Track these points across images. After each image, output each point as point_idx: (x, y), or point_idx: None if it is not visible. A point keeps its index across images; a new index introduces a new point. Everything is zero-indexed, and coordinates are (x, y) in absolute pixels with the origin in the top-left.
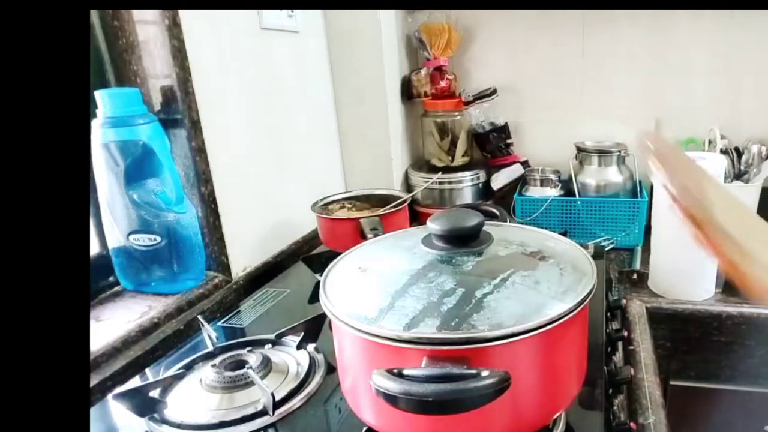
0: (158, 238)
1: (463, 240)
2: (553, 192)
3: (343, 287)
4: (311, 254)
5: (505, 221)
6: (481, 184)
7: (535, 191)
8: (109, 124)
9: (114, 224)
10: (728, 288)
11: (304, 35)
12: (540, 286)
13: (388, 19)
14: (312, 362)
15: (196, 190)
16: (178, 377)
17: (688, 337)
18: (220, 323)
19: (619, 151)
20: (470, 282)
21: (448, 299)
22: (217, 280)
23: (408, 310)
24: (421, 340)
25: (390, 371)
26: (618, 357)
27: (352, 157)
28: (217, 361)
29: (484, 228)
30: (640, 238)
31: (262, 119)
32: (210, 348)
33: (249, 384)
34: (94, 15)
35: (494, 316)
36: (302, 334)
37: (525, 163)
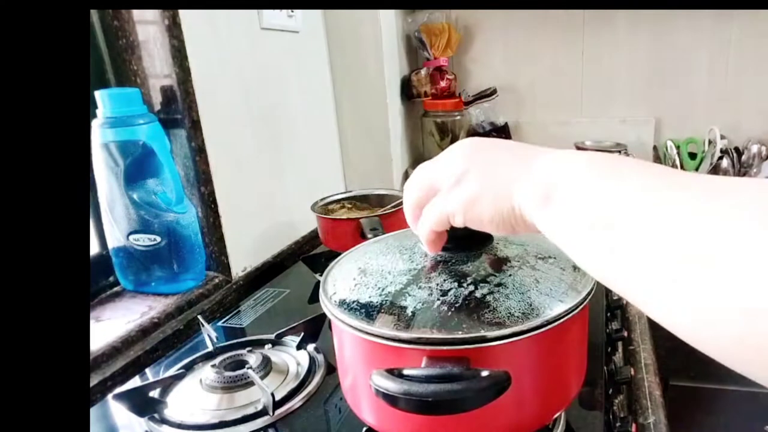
0: (158, 238)
1: (462, 240)
2: None
3: (343, 287)
4: (311, 254)
5: None
6: None
7: None
8: (109, 124)
9: (114, 224)
10: None
11: (304, 35)
12: (540, 285)
13: (388, 19)
14: (312, 362)
15: (196, 190)
16: (178, 377)
17: None
18: (220, 323)
19: (619, 151)
20: (470, 282)
21: (448, 299)
22: (217, 280)
23: (408, 310)
24: (421, 340)
25: (390, 371)
26: (618, 357)
27: (352, 157)
28: (217, 361)
29: None
30: None
31: (262, 119)
32: (210, 348)
33: (249, 384)
34: (94, 15)
35: (494, 316)
36: (302, 334)
37: None
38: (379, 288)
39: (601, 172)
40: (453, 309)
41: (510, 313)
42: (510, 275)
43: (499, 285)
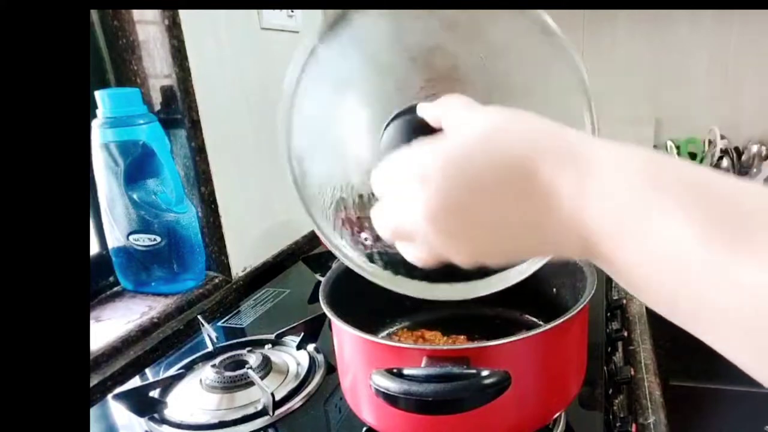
0: (158, 238)
1: None
2: None
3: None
4: (311, 254)
5: None
6: None
7: None
8: (109, 124)
9: (114, 224)
10: None
11: (304, 35)
12: None
13: None
14: (312, 362)
15: (196, 190)
16: (178, 377)
17: (688, 337)
18: (220, 323)
19: None
20: None
21: None
22: (217, 280)
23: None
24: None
25: (390, 371)
26: (618, 357)
27: None
28: (217, 361)
29: None
30: None
31: (262, 119)
32: (210, 348)
33: (249, 384)
34: (94, 15)
35: None
36: (302, 334)
37: None
38: None
39: (640, 225)
40: None
41: None
42: None
43: None
